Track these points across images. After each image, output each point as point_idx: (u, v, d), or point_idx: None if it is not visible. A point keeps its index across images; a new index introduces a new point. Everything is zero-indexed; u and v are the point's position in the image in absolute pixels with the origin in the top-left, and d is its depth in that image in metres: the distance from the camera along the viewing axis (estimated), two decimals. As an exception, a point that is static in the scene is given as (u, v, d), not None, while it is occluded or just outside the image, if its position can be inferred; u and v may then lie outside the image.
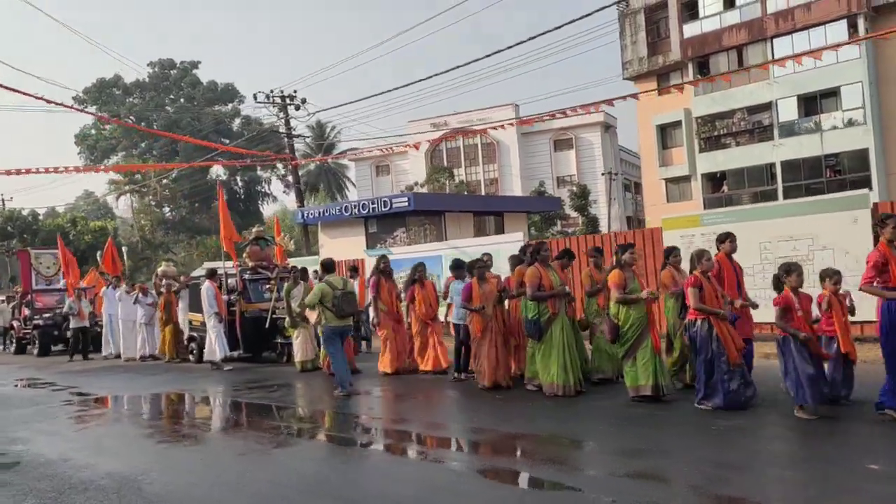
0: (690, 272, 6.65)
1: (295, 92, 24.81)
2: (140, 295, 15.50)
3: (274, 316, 12.77)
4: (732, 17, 33.86)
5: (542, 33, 37.41)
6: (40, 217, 38.87)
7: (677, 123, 37.19)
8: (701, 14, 34.88)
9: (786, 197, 32.32)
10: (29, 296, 19.17)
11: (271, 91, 24.51)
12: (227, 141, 62.24)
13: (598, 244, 12.78)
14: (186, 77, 62.46)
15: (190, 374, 12.54)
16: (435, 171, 46.88)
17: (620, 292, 6.88)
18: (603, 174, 52.18)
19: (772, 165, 33.10)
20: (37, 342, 18.06)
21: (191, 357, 14.04)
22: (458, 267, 9.26)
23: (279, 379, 11.15)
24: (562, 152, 57.62)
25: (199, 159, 42.59)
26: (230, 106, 65.37)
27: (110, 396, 10.83)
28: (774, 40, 32.56)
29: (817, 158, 31.70)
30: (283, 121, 24.68)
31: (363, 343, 13.19)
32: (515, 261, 8.37)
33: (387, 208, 22.28)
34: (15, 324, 19.77)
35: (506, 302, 8.66)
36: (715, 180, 35.70)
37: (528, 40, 19.11)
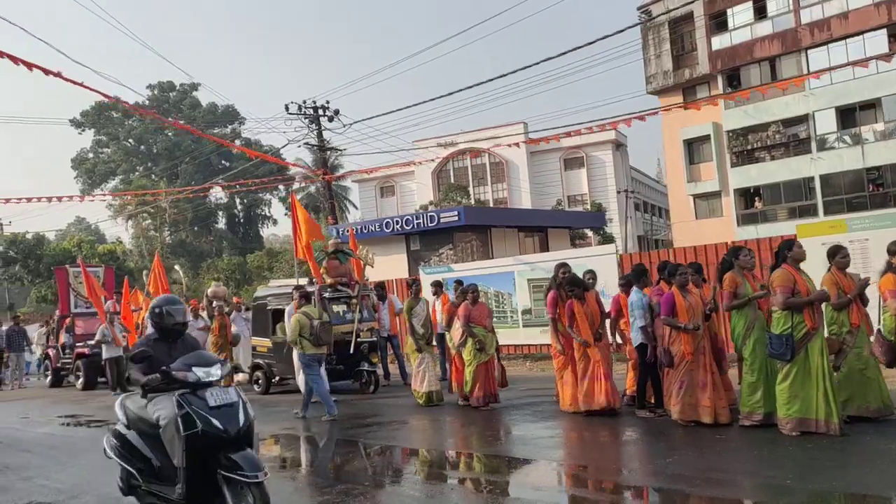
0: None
1: (328, 103, 23.45)
2: (191, 318, 13.86)
3: (358, 340, 11.24)
4: (764, 28, 33.02)
5: (554, 56, 36.38)
6: (48, 240, 37.04)
7: (706, 138, 36.18)
8: (730, 25, 34.03)
9: (826, 212, 31.31)
10: (67, 320, 17.26)
11: (304, 101, 23.13)
12: (228, 163, 60.92)
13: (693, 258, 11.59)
14: (186, 99, 61.02)
15: (272, 409, 10.92)
16: (450, 189, 45.52)
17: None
18: (619, 192, 51.07)
19: (810, 180, 32.06)
20: (81, 373, 16.11)
21: (256, 388, 12.43)
22: (640, 274, 7.70)
23: (391, 413, 9.58)
24: (572, 171, 56.56)
25: (203, 181, 41.08)
26: (230, 128, 63.95)
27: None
28: (809, 51, 31.71)
29: (858, 172, 30.69)
30: (314, 132, 23.21)
31: (379, 377, 11.72)
32: (725, 266, 6.90)
33: (433, 223, 20.87)
34: (51, 352, 17.67)
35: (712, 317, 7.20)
36: (748, 196, 34.61)
37: (541, 62, 17.89)
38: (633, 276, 7.81)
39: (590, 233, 46.61)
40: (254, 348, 12.64)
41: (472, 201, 46.36)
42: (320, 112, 23.31)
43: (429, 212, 22.03)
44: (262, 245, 62.68)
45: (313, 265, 11.69)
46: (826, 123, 31.66)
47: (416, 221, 21.23)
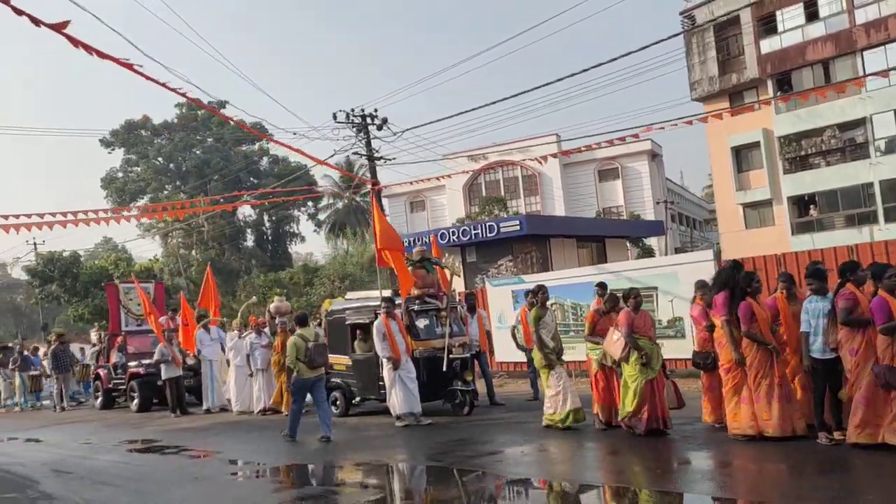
0: None
1: (376, 111, 22.62)
2: (254, 336, 12.99)
3: (451, 356, 10.25)
4: (816, 30, 31.91)
5: (590, 67, 35.47)
6: (82, 258, 36.51)
7: (755, 144, 34.95)
8: (780, 28, 32.94)
9: (887, 220, 30.03)
10: (119, 339, 16.40)
11: (351, 110, 22.33)
12: (256, 181, 60.47)
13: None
14: (214, 117, 60.66)
15: (362, 433, 9.94)
16: (487, 202, 44.59)
17: None
18: (658, 203, 49.94)
19: (869, 185, 30.77)
20: (136, 395, 15.23)
21: (334, 409, 11.44)
22: (817, 276, 6.59)
23: (507, 438, 8.58)
24: (607, 182, 55.47)
25: (233, 199, 40.49)
26: (257, 145, 63.59)
27: (290, 467, 8.25)
28: (865, 53, 30.55)
29: (922, 177, 29.39)
30: (363, 142, 22.37)
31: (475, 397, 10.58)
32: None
33: (493, 234, 19.93)
34: (101, 372, 16.73)
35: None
36: (802, 204, 33.35)
37: (577, 73, 16.97)
38: (810, 276, 6.69)
39: (627, 245, 45.52)
40: (331, 366, 11.66)
41: (512, 213, 45.30)
42: (368, 120, 22.49)
43: (487, 222, 21.06)
44: (290, 262, 62.07)
45: (403, 275, 10.71)
46: (885, 127, 30.41)
47: (473, 232, 20.29)
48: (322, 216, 63.72)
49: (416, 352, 10.20)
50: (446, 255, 11.60)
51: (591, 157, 52.84)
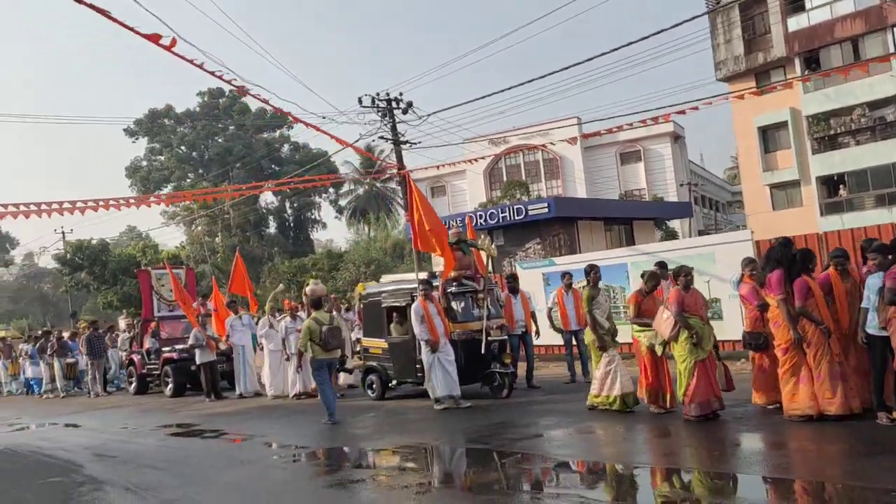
0: None
1: (401, 94, 22.51)
2: (289, 320, 12.97)
3: (489, 338, 10.16)
4: (846, 7, 31.23)
5: (616, 49, 34.94)
6: (110, 246, 36.85)
7: (783, 124, 34.39)
8: (808, 5, 32.30)
9: (919, 199, 29.50)
10: (152, 324, 16.53)
11: (377, 94, 22.23)
12: (278, 168, 60.64)
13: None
14: (235, 105, 60.85)
15: (400, 417, 9.91)
16: (510, 186, 44.38)
17: None
18: (681, 185, 49.42)
19: (900, 164, 30.18)
20: (170, 380, 15.35)
21: (370, 392, 11.45)
22: (882, 251, 6.38)
23: (551, 420, 8.50)
24: (629, 165, 54.95)
25: (259, 185, 40.62)
26: (278, 133, 63.74)
27: (334, 450, 8.23)
28: (895, 29, 29.87)
29: (955, 154, 28.78)
30: (388, 126, 22.28)
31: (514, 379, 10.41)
32: None
33: (521, 216, 19.75)
34: (135, 357, 16.87)
35: None
36: (830, 184, 32.82)
37: (599, 55, 16.73)
38: (882, 250, 6.45)
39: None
40: (366, 350, 11.66)
41: (534, 196, 45.05)
42: (394, 104, 22.39)
43: (515, 205, 20.90)
44: (312, 248, 62.31)
45: (447, 253, 10.55)
46: (917, 104, 29.78)
47: (501, 215, 20.12)
48: (343, 202, 63.86)
49: (453, 334, 10.13)
50: (481, 236, 11.46)
51: (613, 139, 52.31)
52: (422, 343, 9.79)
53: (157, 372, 16.10)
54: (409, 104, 22.59)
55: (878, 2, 30.10)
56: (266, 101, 12.03)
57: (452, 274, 10.61)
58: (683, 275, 7.48)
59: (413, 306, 9.91)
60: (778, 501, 5.09)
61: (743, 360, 11.74)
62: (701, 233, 55.80)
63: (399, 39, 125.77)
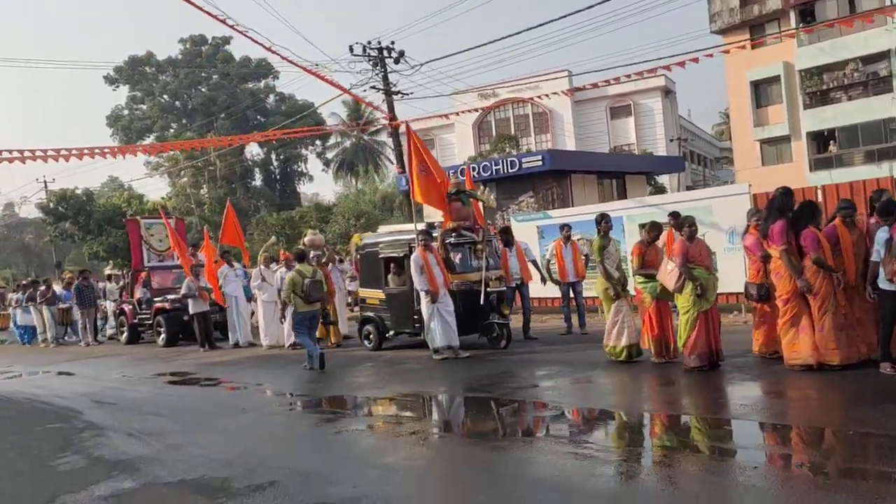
0: None
1: (393, 43, 22.02)
2: (284, 270, 12.85)
3: (488, 289, 10.14)
4: (843, -42, 30.81)
5: (601, 2, 34.24)
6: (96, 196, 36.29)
7: (775, 79, 34.19)
8: (805, -43, 31.81)
9: (907, 155, 29.57)
10: (142, 274, 16.36)
11: (368, 42, 21.74)
12: (264, 119, 59.72)
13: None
14: (218, 53, 59.54)
15: (399, 366, 9.92)
16: (500, 139, 44.03)
17: None
18: (671, 140, 49.32)
19: (891, 120, 30.19)
20: (163, 330, 15.28)
21: (367, 343, 11.44)
22: (889, 209, 6.32)
23: (552, 370, 8.52)
24: (619, 120, 54.66)
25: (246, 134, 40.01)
26: (263, 83, 62.60)
27: (336, 398, 8.24)
28: (893, -18, 29.55)
29: (946, 111, 28.80)
30: (380, 76, 21.87)
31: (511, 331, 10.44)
32: None
33: (514, 169, 19.69)
34: (126, 307, 16.75)
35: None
36: (821, 140, 32.81)
37: (594, 5, 16.31)
38: (882, 211, 6.41)
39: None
40: (362, 300, 11.62)
41: (524, 150, 44.78)
42: (385, 54, 21.94)
43: (509, 157, 20.74)
44: (299, 201, 61.85)
45: (445, 209, 10.47)
46: (910, 60, 29.64)
47: (494, 167, 20.00)
48: (330, 155, 63.23)
49: (452, 285, 10.08)
50: (480, 186, 11.36)
51: (604, 93, 51.87)
52: (421, 293, 9.74)
53: (149, 322, 16.00)
54: (402, 53, 22.15)
55: (876, -46, 29.71)
56: (270, 49, 11.64)
57: (451, 225, 10.52)
58: (688, 225, 7.42)
59: (412, 256, 9.84)
60: (784, 446, 5.12)
61: (735, 312, 11.84)
62: (689, 188, 55.83)
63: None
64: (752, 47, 32.32)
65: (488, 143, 52.08)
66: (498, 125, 56.31)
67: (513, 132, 55.23)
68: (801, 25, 31.62)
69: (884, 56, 30.24)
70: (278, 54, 12.71)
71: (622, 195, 22.91)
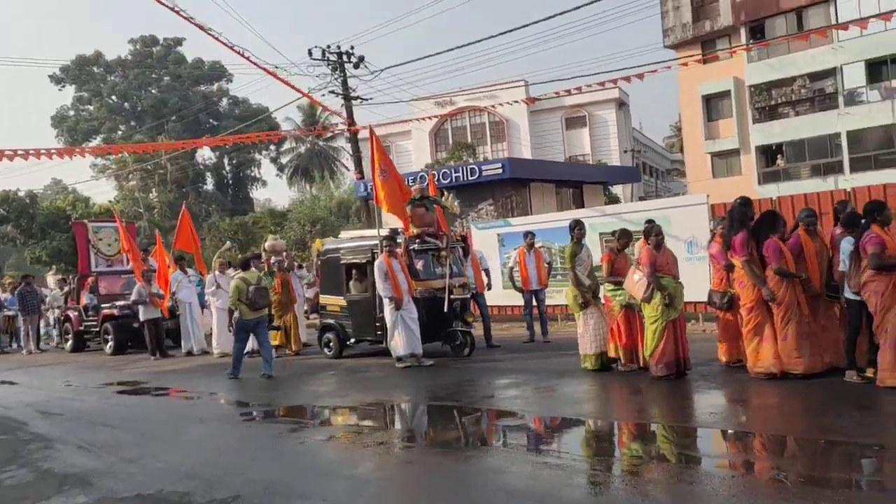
0: None
1: (352, 48, 21.87)
2: (243, 276, 12.52)
3: (451, 297, 10.03)
4: (792, -23, 31.75)
5: (563, 12, 34.61)
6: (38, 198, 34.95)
7: (726, 93, 35.02)
8: (755, -25, 32.69)
9: (852, 170, 30.52)
10: (89, 280, 15.74)
11: (328, 46, 21.51)
12: (216, 122, 58.67)
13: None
14: (170, 55, 58.34)
15: (361, 375, 9.72)
16: (457, 147, 44.09)
17: None
18: (625, 151, 50.06)
19: (836, 136, 31.14)
20: (110, 337, 14.70)
21: (327, 351, 11.21)
22: (853, 221, 6.41)
23: (518, 378, 8.44)
24: (574, 130, 55.30)
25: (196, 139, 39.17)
26: (216, 86, 61.56)
27: (298, 408, 7.99)
28: (839, 2, 30.55)
29: (888, 128, 29.81)
30: (339, 80, 21.64)
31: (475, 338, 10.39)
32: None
33: (474, 176, 19.62)
34: (72, 314, 16.09)
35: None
36: (769, 153, 33.68)
37: (547, 18, 16.45)
38: (845, 222, 6.54)
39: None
40: (323, 307, 11.38)
41: (481, 159, 44.90)
42: (345, 58, 21.74)
43: (469, 165, 20.70)
44: (252, 207, 60.92)
45: (402, 216, 10.34)
46: (855, 77, 30.66)
47: (454, 175, 19.92)
48: (284, 160, 62.47)
49: (416, 292, 9.94)
50: (444, 193, 11.26)
51: (559, 104, 52.53)
52: (385, 300, 9.58)
53: (96, 329, 15.43)
54: (361, 58, 21.98)
55: (823, -25, 30.68)
56: (232, 47, 11.39)
57: (415, 231, 10.40)
58: (655, 234, 7.42)
59: (376, 263, 9.67)
60: (750, 454, 5.13)
61: (693, 321, 11.96)
62: (642, 199, 56.82)
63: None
64: (705, 62, 33.10)
65: (445, 151, 52.21)
66: (455, 133, 56.39)
67: (469, 141, 55.42)
68: (750, 42, 32.49)
69: (830, 73, 31.20)
70: (241, 53, 12.44)
71: (580, 204, 23.08)
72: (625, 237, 7.99)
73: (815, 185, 29.47)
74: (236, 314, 9.87)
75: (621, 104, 55.12)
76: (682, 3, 35.67)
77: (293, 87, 14.48)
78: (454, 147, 44.42)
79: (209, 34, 11.45)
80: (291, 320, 12.01)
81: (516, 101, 22.11)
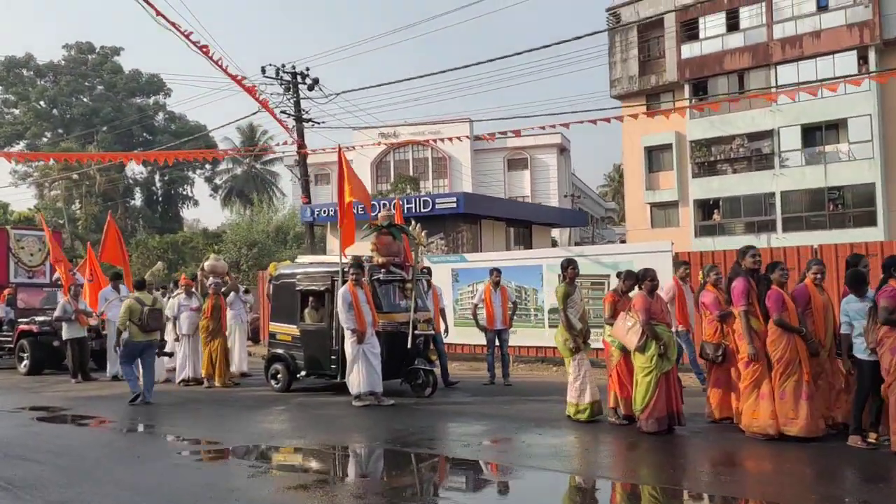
0: None
1: (307, 69, 21.21)
2: (183, 297, 11.61)
3: (416, 332, 9.43)
4: (736, 41, 32.95)
5: (506, 56, 35.03)
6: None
7: (667, 146, 35.85)
8: (701, 35, 33.83)
9: (784, 229, 31.54)
10: (7, 291, 14.33)
11: (282, 66, 20.81)
12: (150, 137, 56.65)
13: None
14: (106, 63, 56.26)
15: (323, 412, 8.93)
16: (401, 180, 43.70)
17: None
18: (565, 196, 50.68)
19: (770, 195, 32.17)
20: (26, 355, 13.35)
21: (273, 383, 10.37)
22: (858, 281, 6.17)
23: (491, 425, 7.85)
24: (516, 171, 55.80)
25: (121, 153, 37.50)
26: (153, 99, 59.63)
27: (253, 448, 7.15)
28: (779, 67, 31.83)
29: (820, 191, 31.00)
30: (292, 101, 20.92)
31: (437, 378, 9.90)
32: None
33: (427, 209, 19.16)
34: (-19, 329, 14.68)
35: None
36: (706, 207, 34.52)
37: (492, 60, 16.63)
38: (851, 282, 6.27)
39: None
40: (272, 335, 10.57)
41: (423, 193, 44.59)
42: (299, 79, 21.07)
43: (423, 196, 20.25)
44: (181, 225, 58.82)
45: (346, 234, 9.76)
46: (790, 140, 31.85)
47: (406, 206, 19.36)
48: (219, 181, 60.76)
49: (379, 325, 9.29)
50: (412, 222, 10.69)
51: (502, 144, 52.99)
52: (346, 332, 8.88)
53: (10, 346, 14.06)
54: (316, 80, 21.36)
55: (766, 40, 31.97)
56: (201, 48, 10.60)
57: (380, 260, 9.78)
58: (649, 279, 7.03)
59: (340, 291, 8.98)
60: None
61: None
62: (577, 244, 57.56)
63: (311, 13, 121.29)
64: (649, 115, 33.86)
65: (386, 182, 51.77)
66: (397, 166, 55.99)
67: (412, 174, 55.17)
68: (692, 99, 33.48)
69: (767, 135, 32.32)
70: (211, 59, 11.71)
71: (528, 244, 22.92)
72: (630, 279, 7.47)
73: (748, 241, 30.20)
74: (125, 335, 9.54)
75: (563, 150, 55.99)
76: (629, 55, 36.53)
77: (261, 102, 13.73)
78: (398, 179, 44.03)
79: (184, 38, 10.64)
80: (219, 349, 11.05)
81: (459, 138, 21.73)
